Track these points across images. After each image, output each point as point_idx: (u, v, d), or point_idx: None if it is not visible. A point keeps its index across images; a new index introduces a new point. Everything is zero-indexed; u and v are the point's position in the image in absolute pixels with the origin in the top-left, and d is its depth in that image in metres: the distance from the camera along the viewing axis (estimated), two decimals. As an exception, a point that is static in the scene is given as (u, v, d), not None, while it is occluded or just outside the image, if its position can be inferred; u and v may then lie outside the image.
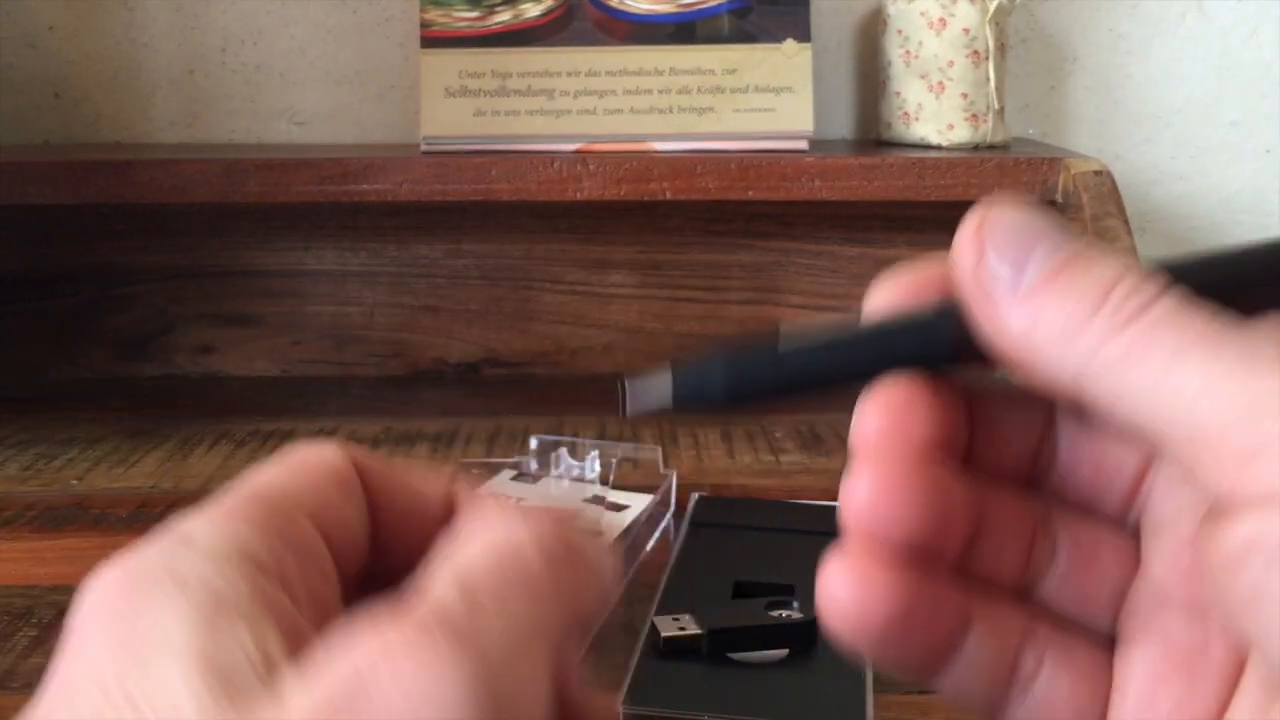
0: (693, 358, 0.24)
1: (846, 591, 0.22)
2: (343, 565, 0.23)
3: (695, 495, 0.60)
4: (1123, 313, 0.21)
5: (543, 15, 0.81)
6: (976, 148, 0.83)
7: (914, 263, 0.24)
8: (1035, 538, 0.25)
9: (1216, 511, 0.20)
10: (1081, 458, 0.25)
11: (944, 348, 0.23)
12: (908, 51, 0.83)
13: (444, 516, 0.25)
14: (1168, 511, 0.24)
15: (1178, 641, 0.23)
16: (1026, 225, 0.22)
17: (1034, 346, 0.22)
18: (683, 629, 0.44)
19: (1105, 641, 0.24)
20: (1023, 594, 0.25)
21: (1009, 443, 0.25)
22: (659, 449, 0.66)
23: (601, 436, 0.74)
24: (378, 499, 0.25)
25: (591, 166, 0.76)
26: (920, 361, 0.24)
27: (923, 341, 0.23)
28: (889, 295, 0.24)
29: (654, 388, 0.25)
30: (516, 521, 0.22)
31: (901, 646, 0.23)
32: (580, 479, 0.62)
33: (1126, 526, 0.25)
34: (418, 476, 0.26)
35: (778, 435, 0.75)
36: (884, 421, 0.23)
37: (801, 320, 0.90)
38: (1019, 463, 0.25)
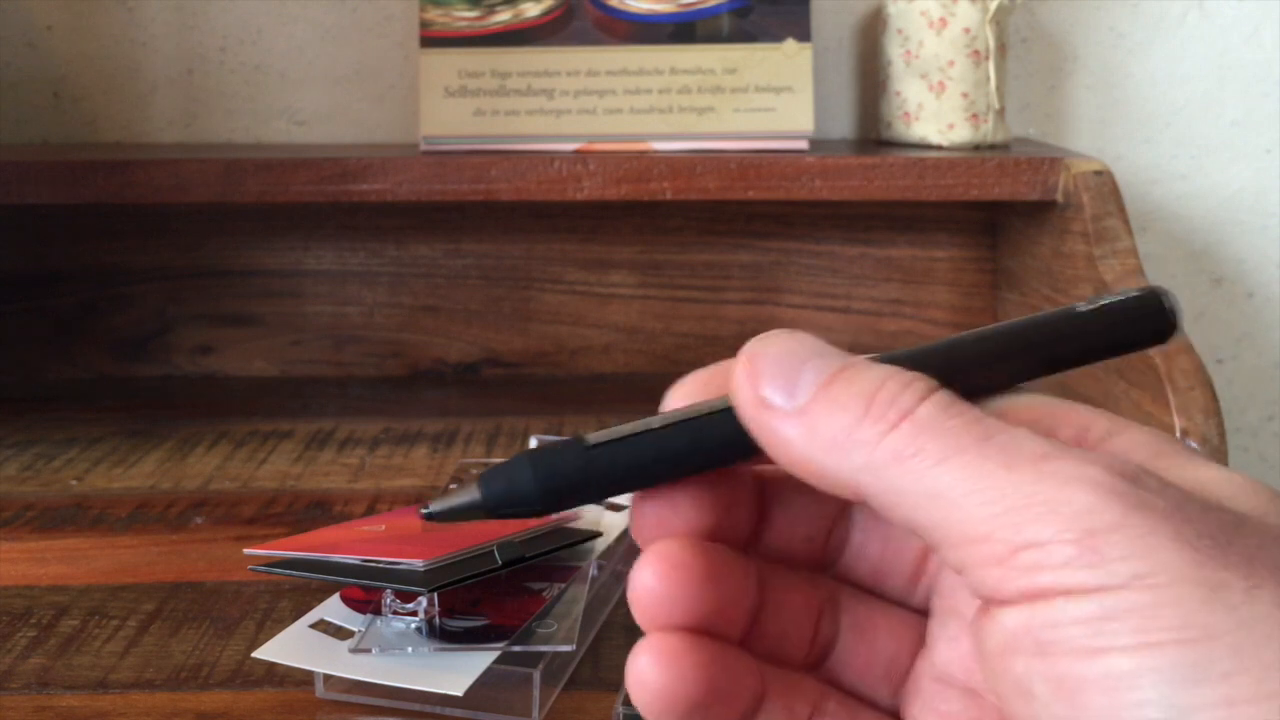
0: (500, 464, 0.25)
1: (653, 674, 0.24)
2: None
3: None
4: (888, 417, 0.22)
5: (542, 15, 0.81)
6: (977, 147, 0.82)
7: (705, 369, 0.26)
8: (821, 615, 0.26)
9: (985, 605, 0.21)
10: (871, 540, 0.27)
11: (742, 440, 0.24)
12: (908, 51, 0.83)
13: None
14: (951, 597, 0.25)
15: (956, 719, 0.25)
16: (792, 352, 0.24)
17: (812, 458, 0.23)
18: (683, 629, 0.44)
19: (891, 715, 0.26)
20: (814, 668, 0.26)
21: (799, 525, 0.27)
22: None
23: (601, 436, 0.74)
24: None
25: (591, 166, 0.76)
26: (723, 453, 0.25)
27: (721, 435, 0.24)
28: (687, 393, 0.25)
29: (464, 493, 0.25)
30: None
31: (705, 718, 0.24)
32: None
33: (914, 605, 0.27)
34: None
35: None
36: (657, 518, 0.25)
37: (801, 320, 0.90)
38: (812, 544, 0.27)
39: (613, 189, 0.76)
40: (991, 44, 0.82)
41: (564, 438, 0.25)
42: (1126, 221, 0.74)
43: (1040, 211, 0.80)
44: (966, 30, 0.81)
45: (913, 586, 0.27)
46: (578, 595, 0.48)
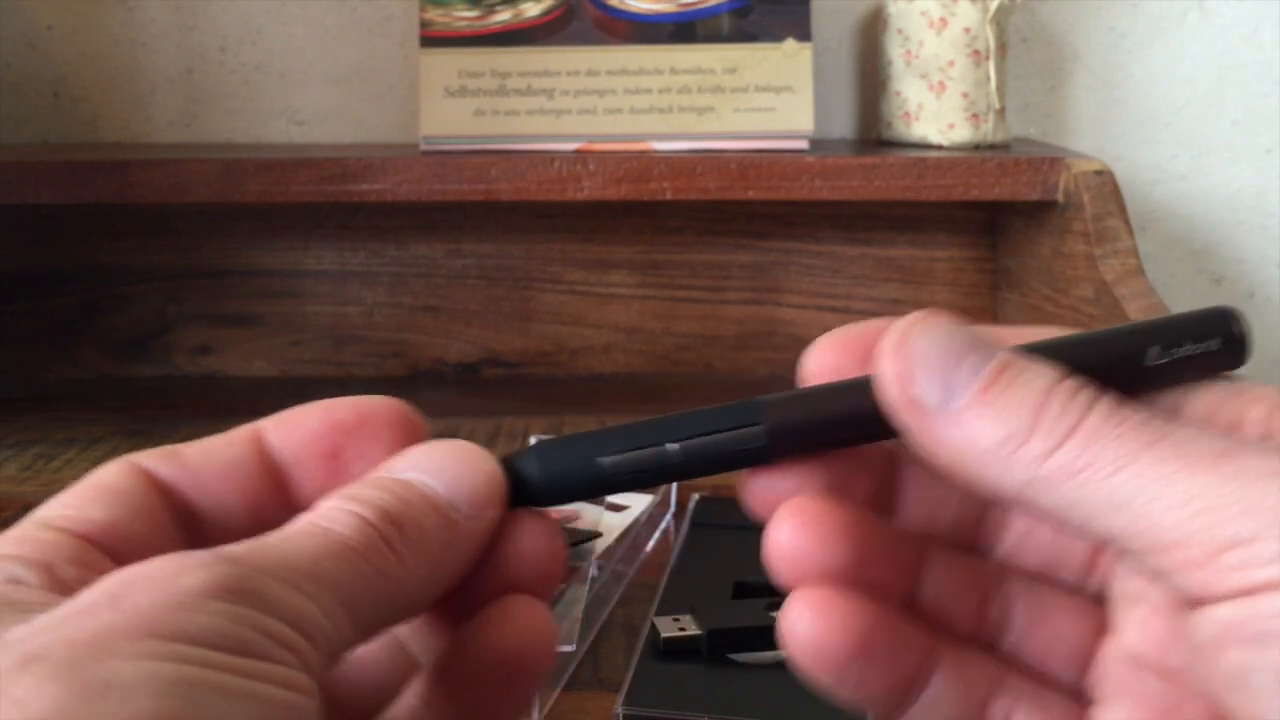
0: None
1: (805, 623, 0.23)
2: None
3: (695, 495, 0.60)
4: (1060, 428, 0.22)
5: (542, 15, 0.81)
6: (977, 147, 0.82)
7: (845, 330, 0.25)
8: (987, 596, 0.26)
9: (1189, 600, 0.21)
10: (1039, 529, 0.26)
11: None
12: (908, 51, 0.83)
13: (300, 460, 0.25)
14: (1135, 581, 0.25)
15: (1153, 701, 0.24)
16: (944, 346, 0.23)
17: (973, 463, 0.22)
18: (683, 629, 0.44)
19: (1078, 696, 0.25)
20: (989, 647, 0.26)
21: (941, 509, 0.26)
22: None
23: (601, 436, 0.74)
24: (186, 492, 0.24)
25: (591, 166, 0.76)
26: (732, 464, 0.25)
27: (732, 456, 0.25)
28: (824, 358, 0.25)
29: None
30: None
31: (862, 678, 0.24)
32: (580, 479, 0.62)
33: (1089, 591, 0.26)
34: (222, 449, 0.25)
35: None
36: (767, 490, 0.25)
37: (801, 320, 0.90)
38: (959, 529, 0.26)
39: (613, 189, 0.76)
40: (991, 44, 0.81)
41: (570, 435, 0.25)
42: (1127, 221, 0.74)
43: (1040, 211, 0.80)
44: (966, 30, 0.81)
45: (1087, 574, 0.26)
46: (578, 595, 0.48)
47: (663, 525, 0.59)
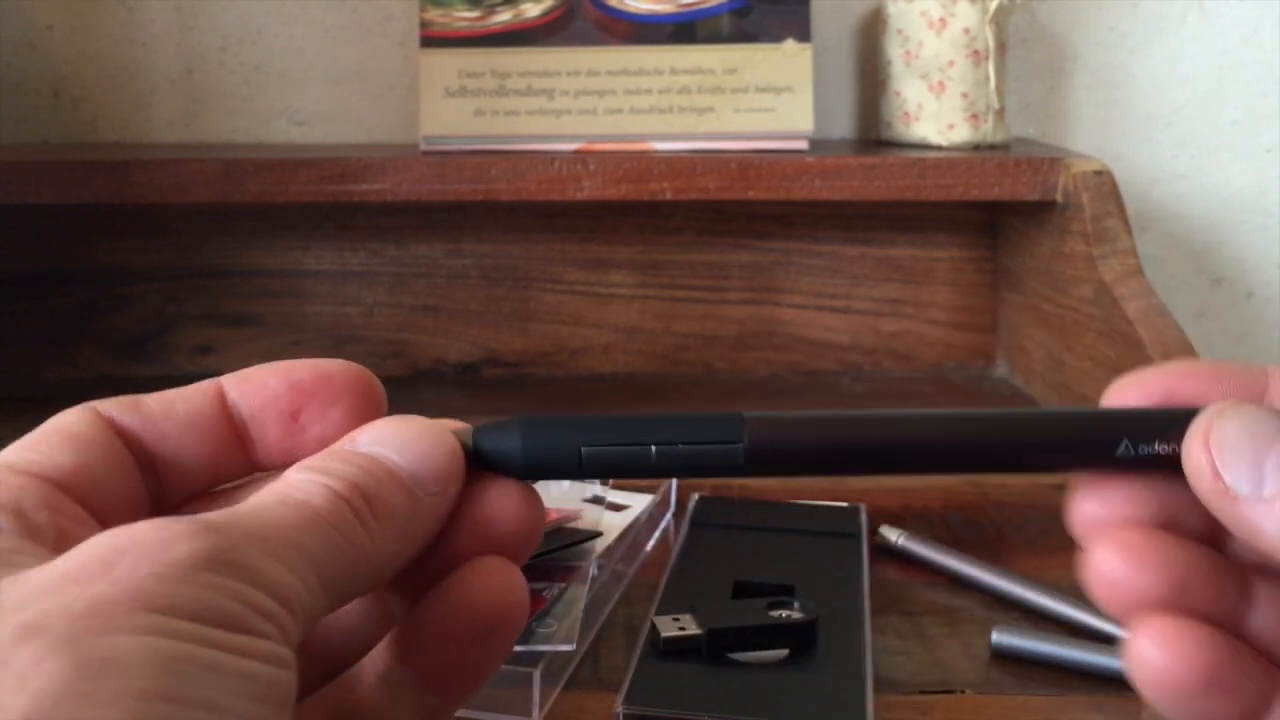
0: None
1: (1155, 654, 0.23)
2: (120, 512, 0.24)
3: (695, 495, 0.60)
4: None
5: (543, 15, 0.81)
6: (977, 147, 0.82)
7: (1155, 369, 0.26)
8: None
9: None
10: None
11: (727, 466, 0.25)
12: (908, 51, 0.83)
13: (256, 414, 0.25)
14: None
15: None
16: (1254, 433, 0.23)
17: None
18: (683, 629, 0.44)
19: None
20: None
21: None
22: (659, 449, 0.66)
23: (601, 436, 0.74)
24: (149, 441, 0.25)
25: (591, 166, 0.76)
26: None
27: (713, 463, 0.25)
28: (1127, 395, 0.26)
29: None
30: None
31: (1211, 709, 0.24)
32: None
33: None
34: (183, 401, 0.26)
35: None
36: (1089, 515, 0.25)
37: (801, 320, 0.90)
38: None
39: (613, 189, 0.76)
40: (991, 44, 0.82)
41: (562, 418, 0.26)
42: (1126, 221, 0.74)
43: (1040, 211, 0.80)
44: (966, 30, 0.81)
45: None
46: (578, 595, 0.48)
47: (663, 525, 0.59)
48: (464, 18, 0.81)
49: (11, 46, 0.90)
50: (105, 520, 0.23)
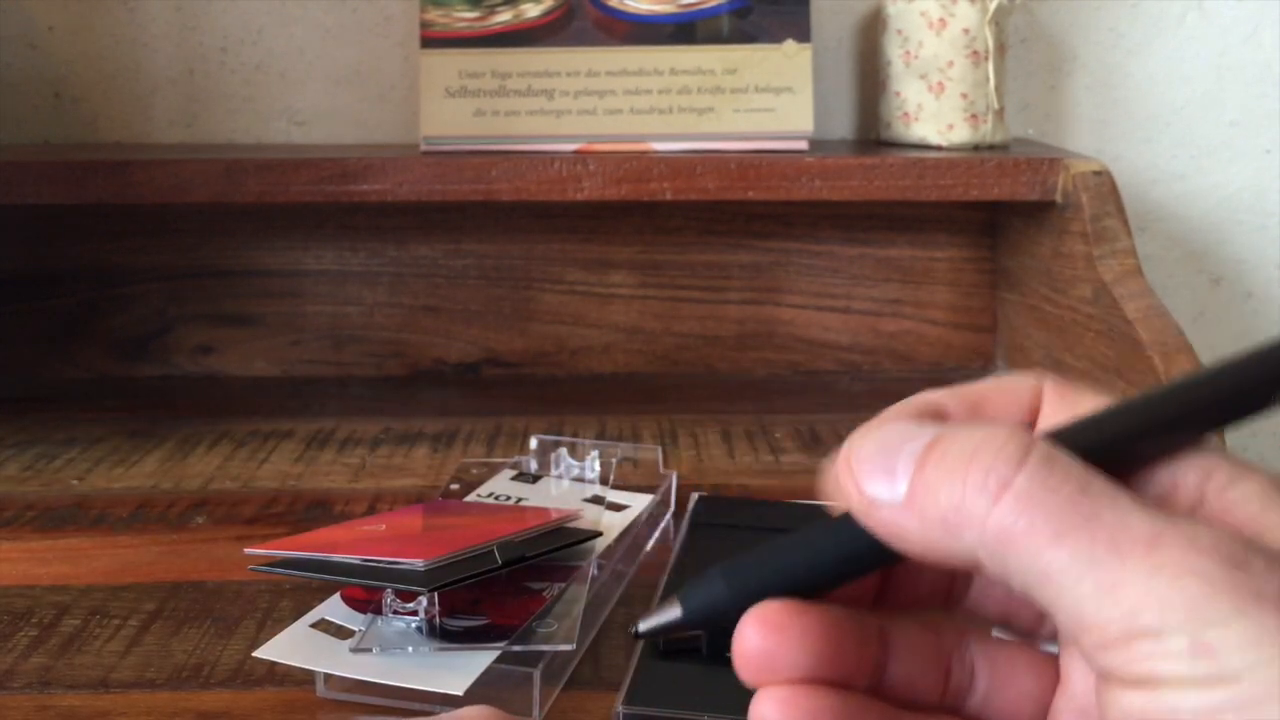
0: (696, 579, 0.27)
1: (772, 716, 0.24)
2: None
3: (695, 495, 0.60)
4: (987, 488, 0.22)
5: (543, 15, 0.81)
6: (976, 148, 0.83)
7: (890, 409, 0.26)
8: (952, 658, 0.26)
9: (1103, 675, 0.22)
10: (994, 583, 0.26)
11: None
12: (907, 51, 0.83)
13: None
14: None
15: None
16: (885, 443, 0.24)
17: (929, 544, 0.23)
18: (683, 629, 0.44)
19: None
20: (954, 711, 0.26)
21: (923, 580, 0.27)
22: (659, 449, 0.66)
23: (601, 436, 0.74)
24: None
25: (591, 166, 0.76)
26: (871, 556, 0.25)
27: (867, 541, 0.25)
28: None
29: (666, 610, 0.27)
30: None
31: None
32: (580, 479, 0.63)
33: (1043, 636, 0.27)
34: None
35: (777, 435, 0.75)
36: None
37: (801, 320, 0.90)
38: (935, 591, 0.27)
39: (613, 189, 0.76)
40: (991, 44, 0.82)
41: (738, 560, 0.27)
42: (1126, 222, 0.75)
43: (1039, 212, 0.80)
44: (966, 31, 0.81)
45: (1041, 622, 0.27)
46: (578, 595, 0.48)
47: (662, 525, 0.59)
48: (464, 18, 0.81)
49: (12, 47, 0.90)
50: None
